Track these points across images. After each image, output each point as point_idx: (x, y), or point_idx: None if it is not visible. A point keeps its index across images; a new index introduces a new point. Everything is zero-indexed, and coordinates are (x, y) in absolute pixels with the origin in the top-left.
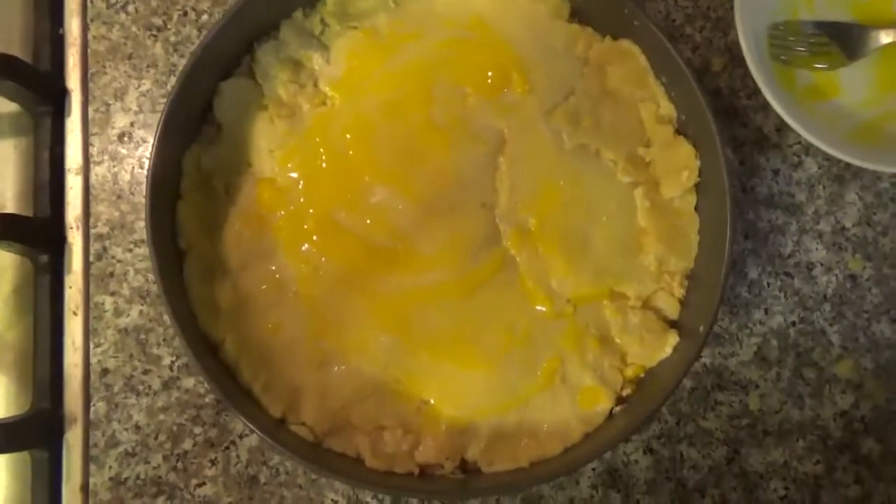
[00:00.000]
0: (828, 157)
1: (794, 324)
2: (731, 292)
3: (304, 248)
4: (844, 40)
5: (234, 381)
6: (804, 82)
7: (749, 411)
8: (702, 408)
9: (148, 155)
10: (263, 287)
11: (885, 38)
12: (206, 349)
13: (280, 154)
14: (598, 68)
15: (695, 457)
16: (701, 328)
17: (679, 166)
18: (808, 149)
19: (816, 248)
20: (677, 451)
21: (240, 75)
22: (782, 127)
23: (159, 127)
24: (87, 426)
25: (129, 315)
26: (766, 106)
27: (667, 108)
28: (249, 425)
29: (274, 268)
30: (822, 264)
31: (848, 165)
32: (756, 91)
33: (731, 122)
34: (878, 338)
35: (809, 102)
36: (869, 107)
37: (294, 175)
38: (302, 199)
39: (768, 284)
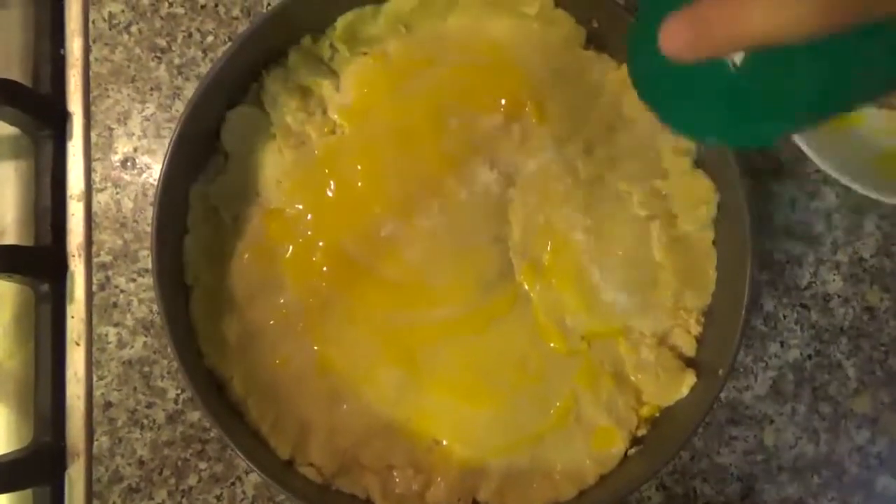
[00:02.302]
0: (846, 186)
1: (810, 357)
2: None
3: (312, 281)
4: None
5: (241, 420)
6: None
7: (764, 446)
8: (716, 443)
9: (152, 182)
10: (271, 322)
11: None
12: (212, 388)
13: (288, 185)
14: (614, 97)
15: (708, 493)
16: (720, 371)
17: (697, 200)
18: (826, 178)
19: (834, 280)
20: (691, 488)
21: (247, 104)
22: (800, 155)
23: (165, 163)
24: (90, 461)
25: (132, 347)
26: None
27: (685, 140)
28: (256, 469)
29: (282, 301)
30: (839, 296)
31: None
32: None
33: (747, 150)
34: None
35: (829, 129)
36: (890, 135)
37: (302, 206)
38: (310, 232)
39: (784, 316)
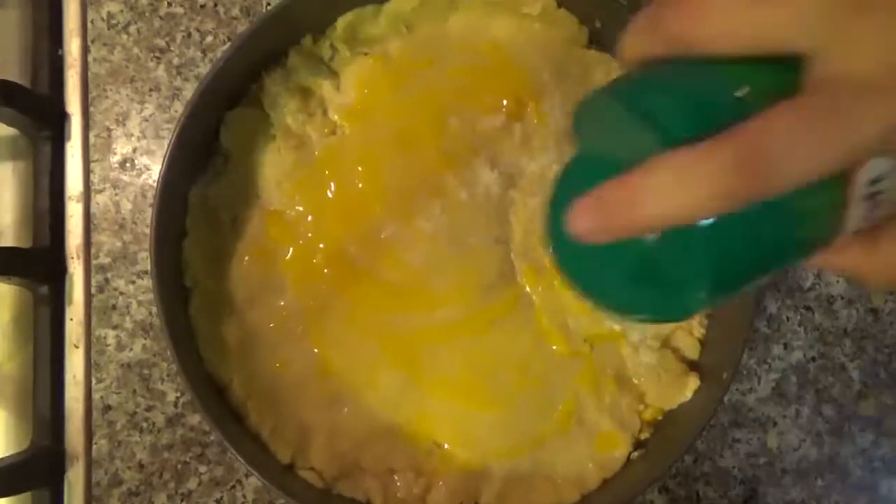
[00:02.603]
0: None
1: (813, 359)
2: None
3: (313, 283)
4: None
5: (241, 424)
6: None
7: (767, 449)
8: (719, 445)
9: (151, 183)
10: (271, 324)
11: None
12: (211, 391)
13: (288, 186)
14: None
15: (711, 496)
16: (724, 375)
17: None
18: None
19: (837, 281)
20: (693, 491)
21: (247, 105)
22: None
23: (164, 165)
24: (89, 464)
25: (131, 349)
26: None
27: None
28: (255, 473)
29: (282, 303)
30: (842, 298)
31: None
32: None
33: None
34: None
35: None
36: None
37: (302, 208)
38: (311, 233)
39: (788, 318)
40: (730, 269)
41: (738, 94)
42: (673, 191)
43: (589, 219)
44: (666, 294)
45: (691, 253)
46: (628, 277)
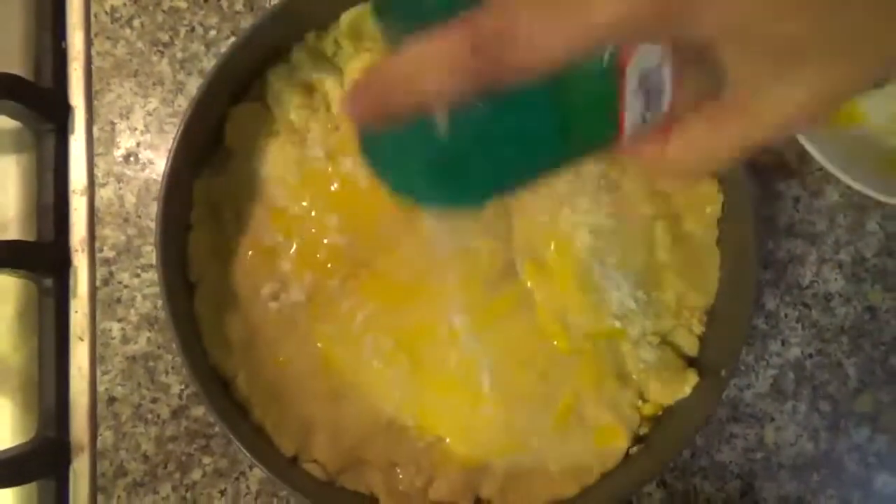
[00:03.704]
0: (850, 185)
1: (810, 356)
2: None
3: (316, 278)
4: None
5: (246, 417)
6: None
7: (764, 444)
8: (716, 440)
9: (154, 177)
10: (274, 319)
11: None
12: (216, 384)
13: (292, 181)
14: None
15: (709, 490)
16: (723, 372)
17: (702, 200)
18: (830, 176)
19: (836, 279)
20: (691, 485)
21: (250, 100)
22: (803, 153)
23: (169, 160)
24: (95, 455)
25: (136, 342)
26: None
27: None
28: (259, 465)
29: (286, 298)
30: (840, 295)
31: None
32: None
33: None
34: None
35: (833, 129)
36: (894, 134)
37: (306, 203)
38: (314, 229)
39: (786, 315)
40: (508, 158)
41: None
42: (417, 72)
43: (356, 102)
44: (452, 183)
45: (469, 143)
46: (421, 165)
